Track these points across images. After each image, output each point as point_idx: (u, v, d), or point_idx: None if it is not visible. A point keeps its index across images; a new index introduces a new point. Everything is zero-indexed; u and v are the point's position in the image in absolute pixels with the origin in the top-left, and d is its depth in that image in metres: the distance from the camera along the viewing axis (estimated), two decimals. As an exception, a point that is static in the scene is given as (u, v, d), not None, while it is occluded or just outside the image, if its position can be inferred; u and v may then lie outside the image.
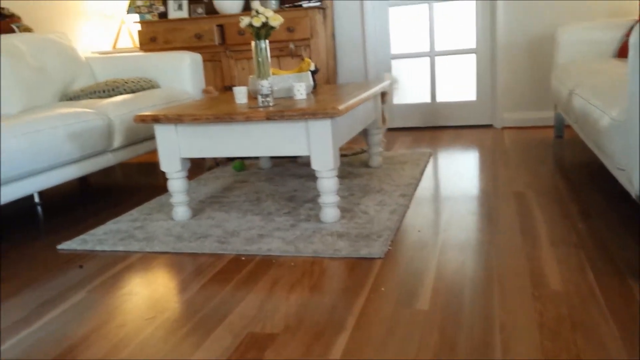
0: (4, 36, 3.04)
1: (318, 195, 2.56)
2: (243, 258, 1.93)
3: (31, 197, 3.07)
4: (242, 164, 3.19)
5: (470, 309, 1.46)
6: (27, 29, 3.63)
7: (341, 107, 2.04)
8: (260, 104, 2.23)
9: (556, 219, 2.08)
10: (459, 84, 4.23)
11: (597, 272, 1.61)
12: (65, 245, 2.19)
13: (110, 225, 2.38)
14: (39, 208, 2.86)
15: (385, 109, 3.12)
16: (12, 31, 3.55)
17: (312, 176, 2.95)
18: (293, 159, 3.33)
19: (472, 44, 4.09)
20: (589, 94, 2.18)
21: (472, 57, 4.12)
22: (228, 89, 4.03)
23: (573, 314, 1.40)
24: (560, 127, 3.54)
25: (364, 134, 3.07)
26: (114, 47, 4.65)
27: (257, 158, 3.41)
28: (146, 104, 2.93)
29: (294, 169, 3.14)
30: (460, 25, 4.11)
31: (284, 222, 2.24)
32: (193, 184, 2.98)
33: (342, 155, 3.37)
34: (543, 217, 2.11)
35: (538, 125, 4.00)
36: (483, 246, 1.87)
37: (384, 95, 3.09)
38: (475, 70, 4.12)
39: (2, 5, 3.65)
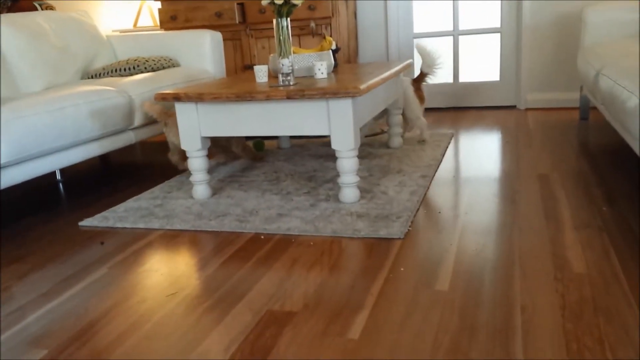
0: (28, 14, 3.06)
1: (337, 176, 2.55)
2: (262, 237, 1.94)
3: (53, 174, 3.10)
4: (261, 143, 3.18)
5: (491, 291, 1.44)
6: (50, 7, 3.64)
7: (362, 86, 2.01)
8: (281, 83, 2.22)
9: (580, 202, 2.04)
10: (482, 64, 4.16)
11: (621, 256, 1.59)
12: (87, 222, 2.21)
13: (130, 203, 2.40)
14: (61, 185, 2.89)
15: (424, 88, 3.08)
16: (35, 9, 3.57)
17: (331, 156, 2.93)
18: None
19: (497, 23, 4.02)
20: (616, 74, 2.13)
21: (497, 37, 4.05)
22: (248, 67, 4.02)
23: (596, 297, 1.38)
24: (586, 109, 3.47)
25: (385, 113, 3.04)
26: (135, 25, 4.66)
27: (276, 137, 3.40)
28: (167, 82, 2.93)
29: (314, 149, 3.13)
30: (485, 4, 4.03)
31: (303, 201, 2.24)
32: (212, 162, 2.99)
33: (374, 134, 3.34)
34: (567, 200, 2.07)
35: (563, 107, 3.92)
36: (505, 229, 1.85)
37: (423, 75, 3.04)
38: (500, 50, 4.05)
39: (24, -17, 3.66)
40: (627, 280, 1.45)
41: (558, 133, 3.16)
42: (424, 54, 2.99)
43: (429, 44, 3.03)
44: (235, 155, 2.96)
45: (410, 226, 1.93)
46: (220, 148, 2.90)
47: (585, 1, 3.71)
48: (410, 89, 3.02)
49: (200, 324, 1.39)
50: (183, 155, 2.79)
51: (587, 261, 1.57)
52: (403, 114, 3.13)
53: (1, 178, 2.08)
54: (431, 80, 3.08)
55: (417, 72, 3.12)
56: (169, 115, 2.60)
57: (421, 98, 3.04)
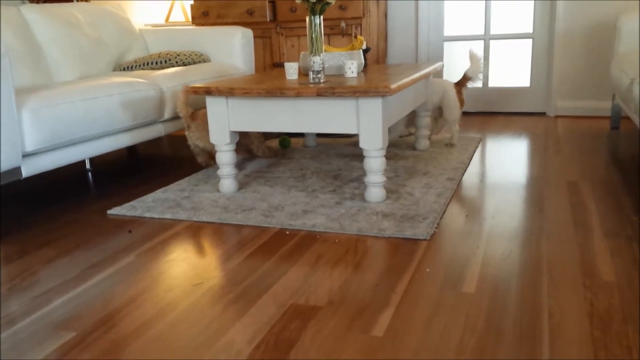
0: (63, 5, 3.11)
1: (363, 175, 2.55)
2: (287, 232, 1.94)
3: (83, 163, 3.15)
4: (288, 140, 3.19)
5: (518, 295, 1.43)
6: (85, -1, 3.70)
7: (393, 86, 2.01)
8: (312, 81, 2.22)
9: (610, 211, 2.01)
10: (512, 70, 4.12)
11: (652, 266, 1.56)
12: (115, 211, 2.24)
13: (158, 194, 2.42)
14: (90, 174, 2.93)
15: (463, 93, 3.06)
16: (70, 0, 3.63)
17: (356, 156, 2.93)
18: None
19: (529, 29, 3.98)
20: (652, 82, 2.09)
21: (528, 42, 4.01)
22: (277, 65, 4.03)
23: (625, 305, 1.35)
24: (617, 118, 3.42)
25: (412, 115, 3.03)
26: (167, 20, 4.70)
27: (302, 135, 3.41)
28: (197, 77, 2.96)
29: (340, 148, 3.13)
30: (517, 9, 3.99)
31: (329, 199, 2.24)
32: (239, 158, 3.01)
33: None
34: (596, 208, 2.04)
35: (593, 115, 3.87)
36: (533, 234, 1.83)
37: (466, 79, 3.03)
38: (531, 56, 4.01)
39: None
40: (657, 290, 1.43)
41: (588, 141, 3.11)
42: (475, 60, 2.98)
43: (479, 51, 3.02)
44: (253, 152, 2.96)
45: (436, 228, 1.92)
46: (240, 145, 2.91)
47: (619, 9, 3.66)
48: (453, 92, 3.01)
49: (225, 315, 1.40)
50: (209, 155, 2.81)
51: (616, 269, 1.55)
52: (437, 115, 3.12)
53: (32, 164, 2.12)
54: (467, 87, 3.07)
55: (459, 76, 3.09)
56: (193, 119, 2.61)
57: (462, 101, 3.03)
